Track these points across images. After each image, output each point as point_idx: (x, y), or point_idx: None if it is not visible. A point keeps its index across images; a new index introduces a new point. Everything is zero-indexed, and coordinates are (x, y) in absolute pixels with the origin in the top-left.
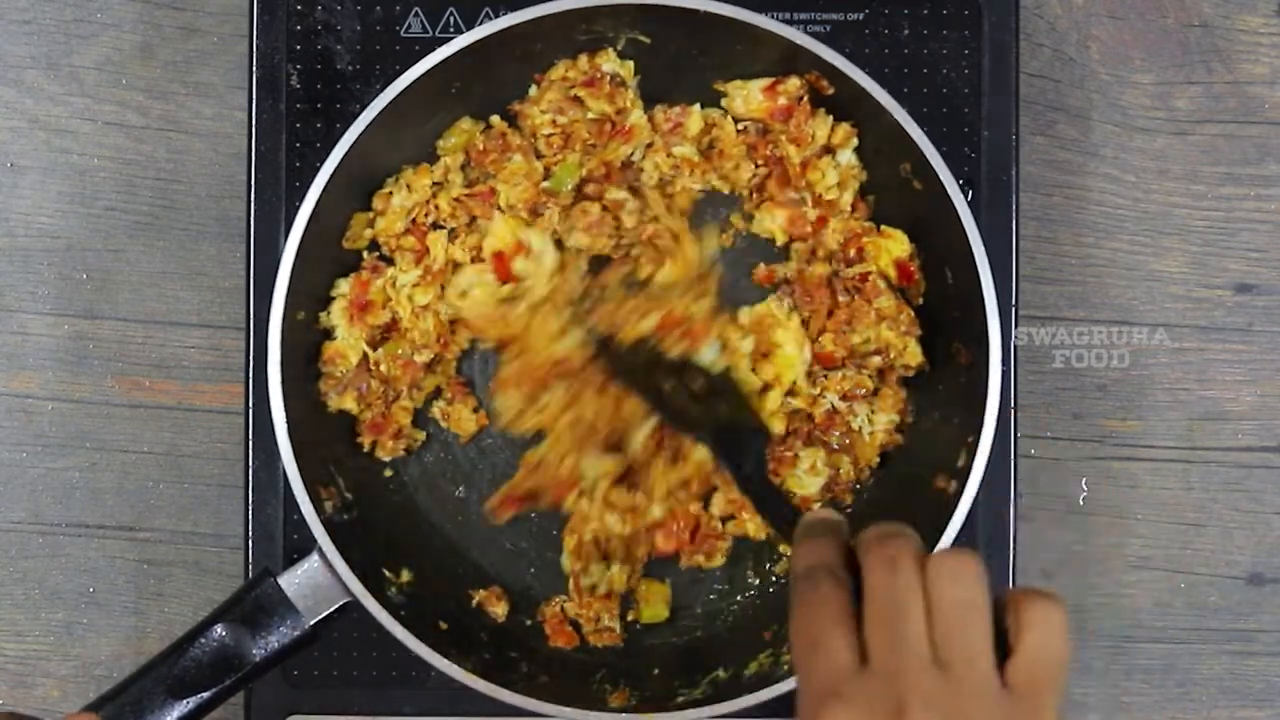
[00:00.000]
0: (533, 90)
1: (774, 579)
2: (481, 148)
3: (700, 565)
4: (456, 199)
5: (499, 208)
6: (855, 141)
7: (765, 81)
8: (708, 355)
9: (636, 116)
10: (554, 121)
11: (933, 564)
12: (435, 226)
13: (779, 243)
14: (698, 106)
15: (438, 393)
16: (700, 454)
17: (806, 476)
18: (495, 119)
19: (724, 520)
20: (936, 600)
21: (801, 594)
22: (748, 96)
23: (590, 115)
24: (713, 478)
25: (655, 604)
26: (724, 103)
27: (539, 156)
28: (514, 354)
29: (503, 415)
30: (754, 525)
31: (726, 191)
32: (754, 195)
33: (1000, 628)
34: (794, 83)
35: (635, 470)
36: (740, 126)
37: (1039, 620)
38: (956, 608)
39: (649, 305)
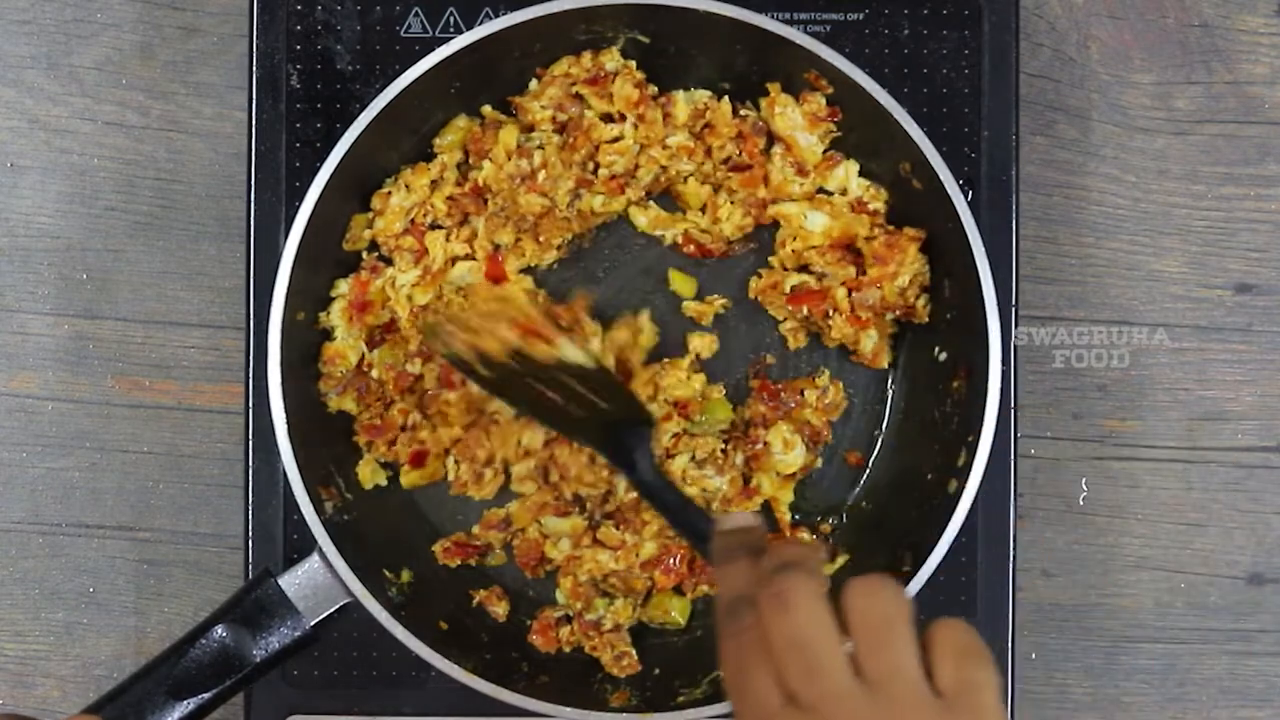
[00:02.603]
0: (533, 84)
1: None
2: (480, 134)
3: (706, 593)
4: (450, 197)
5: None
6: (856, 169)
7: (811, 111)
8: (571, 353)
9: (653, 116)
10: (554, 118)
11: (846, 588)
12: (434, 227)
13: (731, 237)
14: (681, 92)
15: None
16: (692, 492)
17: (786, 455)
18: (487, 109)
19: None
20: (853, 621)
21: (724, 629)
22: (786, 115)
23: (590, 114)
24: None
25: (675, 615)
26: (762, 102)
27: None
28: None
29: (458, 479)
30: None
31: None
32: (720, 185)
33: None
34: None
35: (622, 510)
36: (741, 114)
37: (947, 628)
38: (874, 624)
39: (497, 314)
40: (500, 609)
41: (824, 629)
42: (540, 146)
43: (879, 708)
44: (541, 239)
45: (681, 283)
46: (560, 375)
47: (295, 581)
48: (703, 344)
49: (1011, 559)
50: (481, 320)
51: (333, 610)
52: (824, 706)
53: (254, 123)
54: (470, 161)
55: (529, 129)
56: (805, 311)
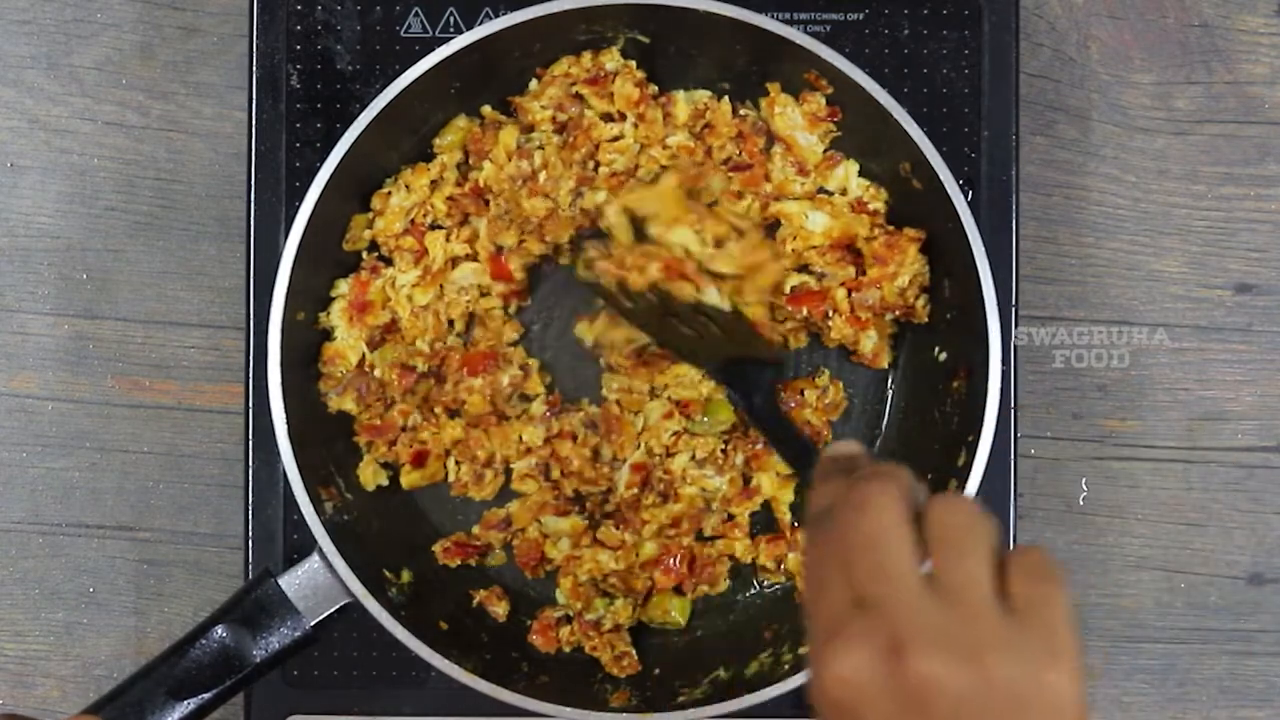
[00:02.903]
0: (533, 84)
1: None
2: (480, 134)
3: (706, 593)
4: (450, 197)
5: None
6: (857, 167)
7: (811, 111)
8: (712, 296)
9: (654, 115)
10: (554, 118)
11: (930, 501)
12: (434, 227)
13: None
14: (682, 92)
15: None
16: (691, 491)
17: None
18: (487, 109)
19: (712, 540)
20: (932, 532)
21: (810, 539)
22: (786, 115)
23: (590, 114)
24: (701, 517)
25: (675, 615)
26: (762, 102)
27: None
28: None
29: (458, 479)
30: (742, 546)
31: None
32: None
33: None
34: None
35: (622, 509)
36: (741, 113)
37: (1024, 551)
38: (952, 535)
39: (649, 255)
40: (500, 609)
41: (896, 531)
42: (540, 147)
43: (947, 614)
44: (547, 238)
45: None
46: (696, 315)
47: (295, 581)
48: None
49: None
50: (635, 258)
51: (333, 610)
52: (890, 607)
53: (254, 123)
54: (470, 162)
55: (529, 129)
56: (805, 312)
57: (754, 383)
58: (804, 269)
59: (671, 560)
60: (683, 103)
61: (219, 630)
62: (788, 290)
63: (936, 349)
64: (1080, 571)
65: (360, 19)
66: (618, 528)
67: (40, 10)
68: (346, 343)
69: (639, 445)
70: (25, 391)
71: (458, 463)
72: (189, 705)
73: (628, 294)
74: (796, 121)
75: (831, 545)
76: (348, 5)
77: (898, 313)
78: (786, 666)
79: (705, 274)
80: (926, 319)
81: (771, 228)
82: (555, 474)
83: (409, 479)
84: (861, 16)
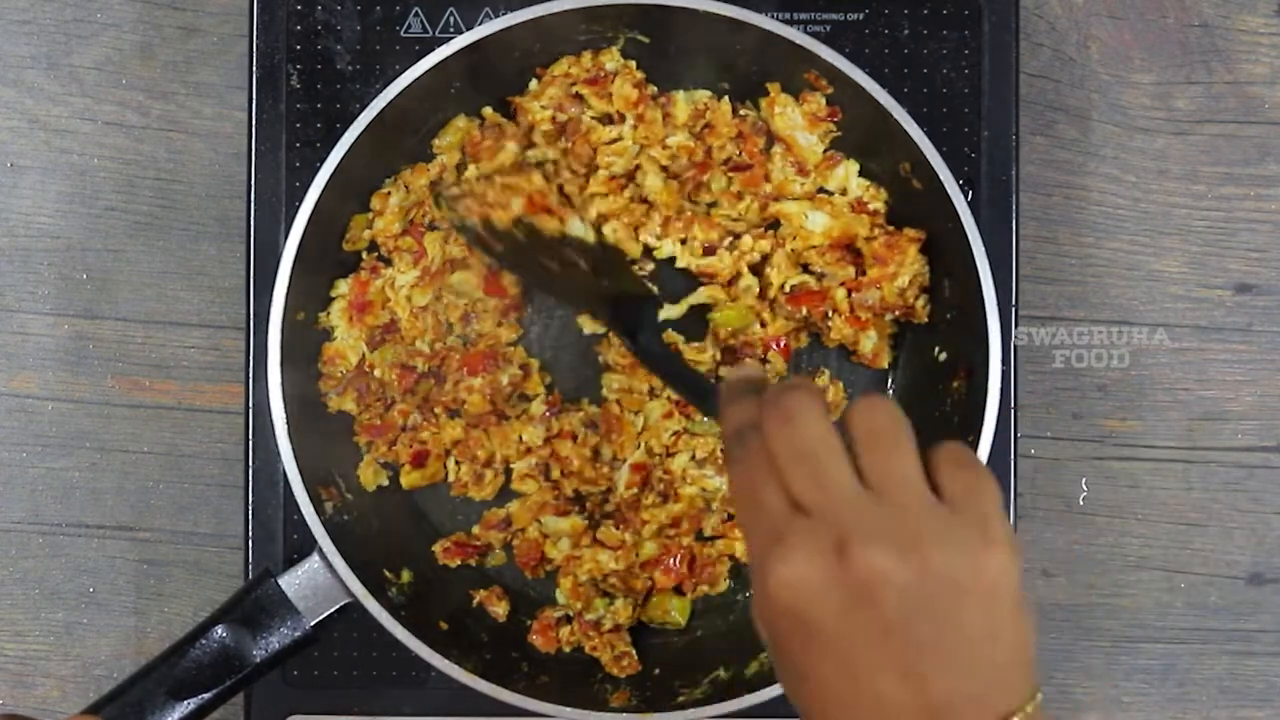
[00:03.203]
0: (533, 84)
1: None
2: (478, 138)
3: (706, 593)
4: None
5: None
6: (857, 168)
7: (811, 111)
8: (578, 228)
9: (653, 116)
10: (554, 118)
11: (848, 406)
12: (432, 227)
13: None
14: (682, 92)
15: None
16: (691, 491)
17: None
18: (488, 110)
19: (712, 540)
20: (856, 435)
21: (733, 457)
22: (786, 115)
23: (591, 114)
24: (701, 517)
25: (675, 615)
26: (762, 102)
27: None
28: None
29: (458, 479)
30: (742, 546)
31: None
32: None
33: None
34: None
35: (622, 509)
36: (741, 113)
37: (946, 447)
38: (877, 435)
39: (511, 189)
40: (500, 609)
41: (828, 439)
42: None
43: (886, 512)
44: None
45: None
46: (564, 249)
47: (295, 581)
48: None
49: None
50: (495, 194)
51: (333, 610)
52: (831, 513)
53: (254, 123)
54: (469, 162)
55: (528, 129)
56: (805, 312)
57: (639, 320)
58: (804, 269)
59: (671, 560)
60: (683, 103)
61: (219, 630)
62: (787, 289)
63: (936, 349)
64: (1080, 571)
65: (360, 19)
66: (618, 528)
67: (40, 10)
68: (346, 343)
69: (639, 445)
70: (25, 391)
71: (458, 463)
72: (189, 705)
73: (494, 233)
74: (796, 121)
75: (758, 460)
76: (348, 5)
77: (898, 313)
78: None
79: (569, 206)
80: (926, 319)
81: (772, 227)
82: (555, 474)
83: (409, 479)
84: (861, 16)
